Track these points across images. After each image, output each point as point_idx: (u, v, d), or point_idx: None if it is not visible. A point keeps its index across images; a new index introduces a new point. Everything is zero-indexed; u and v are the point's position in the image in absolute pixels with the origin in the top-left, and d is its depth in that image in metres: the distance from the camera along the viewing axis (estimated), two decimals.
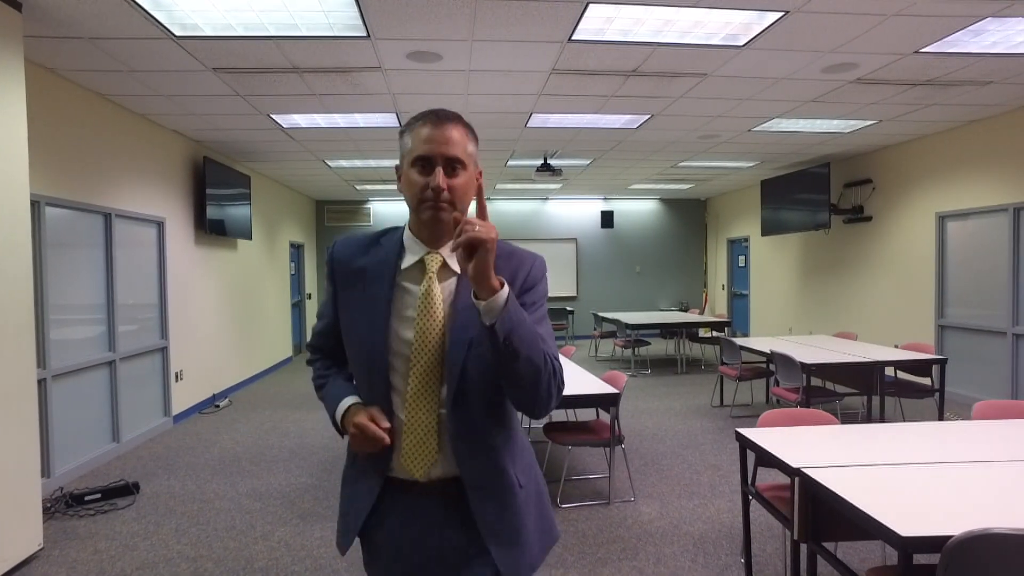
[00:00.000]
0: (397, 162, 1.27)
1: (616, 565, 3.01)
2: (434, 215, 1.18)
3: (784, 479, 2.29)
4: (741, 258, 11.52)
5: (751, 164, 8.55)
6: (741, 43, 3.91)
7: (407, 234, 1.28)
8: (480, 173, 1.26)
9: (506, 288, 1.08)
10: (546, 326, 1.26)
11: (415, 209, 1.21)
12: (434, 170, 1.17)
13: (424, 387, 1.21)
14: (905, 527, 1.68)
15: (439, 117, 1.19)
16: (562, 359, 5.05)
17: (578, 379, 4.19)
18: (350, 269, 1.29)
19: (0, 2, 2.94)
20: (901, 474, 2.14)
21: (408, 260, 1.25)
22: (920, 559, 1.66)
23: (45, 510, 3.61)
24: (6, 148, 2.98)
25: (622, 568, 2.98)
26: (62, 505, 3.77)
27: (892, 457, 2.32)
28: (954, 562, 1.59)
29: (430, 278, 1.22)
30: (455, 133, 1.19)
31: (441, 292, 1.22)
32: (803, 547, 2.26)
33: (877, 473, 2.14)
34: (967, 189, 6.22)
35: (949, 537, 1.58)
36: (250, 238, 7.87)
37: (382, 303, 1.23)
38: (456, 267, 1.23)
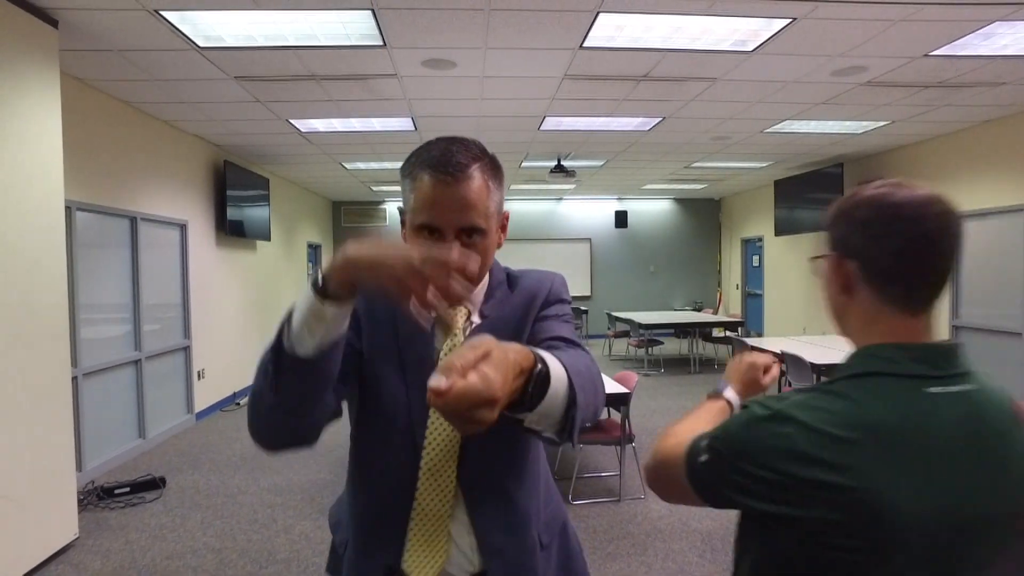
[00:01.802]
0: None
1: (625, 560, 3.10)
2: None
3: None
4: (755, 258, 11.51)
5: (764, 164, 8.56)
6: (750, 48, 3.97)
7: None
8: (506, 217, 1.05)
9: (544, 366, 0.77)
10: (572, 332, 1.10)
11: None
12: (444, 240, 0.93)
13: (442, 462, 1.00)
14: None
15: (447, 170, 0.92)
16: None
17: None
18: (375, 311, 1.03)
19: (38, 20, 3.11)
20: None
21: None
22: None
23: (79, 502, 3.77)
24: (43, 158, 3.14)
25: (631, 563, 3.07)
26: (94, 498, 3.95)
27: None
28: None
29: (455, 335, 1.03)
30: (472, 189, 0.93)
31: None
32: None
33: None
34: (981, 189, 6.20)
35: None
36: (269, 239, 8.04)
37: (427, 362, 1.00)
38: (476, 316, 1.06)
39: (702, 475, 0.86)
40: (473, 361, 0.62)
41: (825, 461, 0.76)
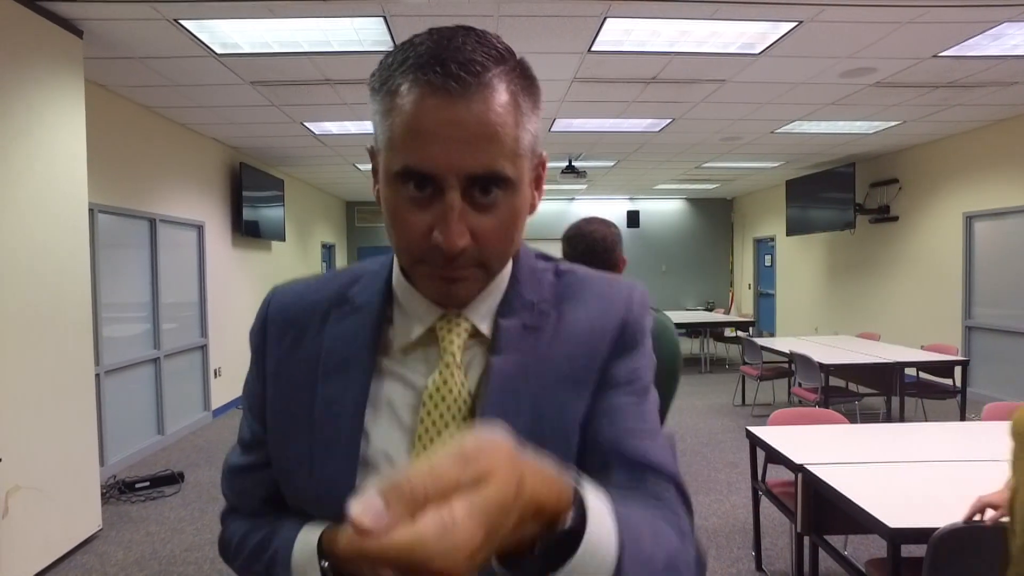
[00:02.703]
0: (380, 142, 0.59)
1: None
2: (443, 290, 0.60)
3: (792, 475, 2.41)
4: (767, 257, 11.48)
5: (776, 164, 8.55)
6: (757, 51, 4.00)
7: (398, 278, 0.67)
8: (543, 163, 0.65)
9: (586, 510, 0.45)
10: (652, 416, 0.66)
11: (407, 265, 0.62)
12: (443, 197, 0.55)
13: None
14: (895, 519, 1.80)
15: (449, 71, 0.54)
16: None
17: None
18: (293, 346, 0.69)
19: (64, 30, 3.23)
20: (898, 471, 2.24)
21: (406, 329, 0.65)
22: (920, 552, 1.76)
23: (102, 495, 3.89)
24: (68, 163, 3.26)
25: None
26: (116, 491, 4.07)
27: (893, 455, 2.42)
28: (940, 552, 1.71)
29: (448, 363, 0.63)
30: (492, 108, 0.55)
31: (468, 385, 0.63)
32: (807, 540, 2.38)
33: (876, 470, 2.25)
34: (995, 189, 6.17)
35: (936, 529, 1.70)
36: (284, 239, 8.17)
37: (348, 409, 0.63)
38: (485, 326, 0.66)
39: None
40: (445, 489, 0.36)
41: None
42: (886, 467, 2.28)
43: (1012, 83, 4.80)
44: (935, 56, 4.13)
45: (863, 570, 2.18)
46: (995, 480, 2.12)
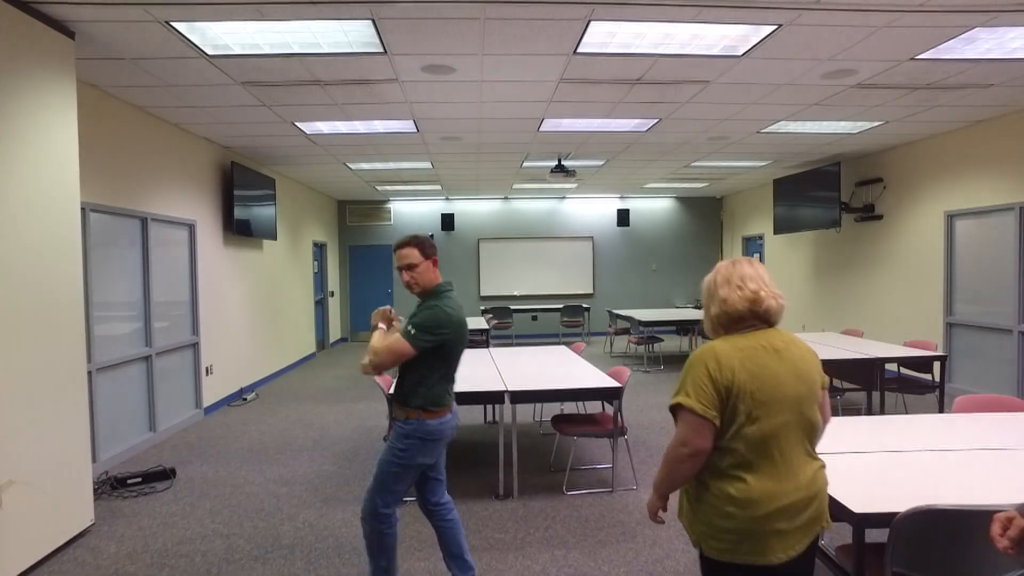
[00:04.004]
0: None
1: (614, 547, 3.24)
2: None
3: None
4: (756, 255, 11.60)
5: (763, 163, 8.66)
6: (739, 53, 4.09)
7: None
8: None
9: None
10: None
11: None
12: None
13: None
14: (860, 506, 1.89)
15: None
16: (573, 355, 5.23)
17: (585, 374, 4.42)
18: None
19: (56, 32, 3.27)
20: (868, 461, 2.33)
21: None
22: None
23: (94, 491, 3.93)
24: (60, 162, 3.30)
25: (619, 549, 3.21)
26: (108, 487, 4.11)
27: (865, 446, 2.51)
28: (901, 535, 1.79)
29: None
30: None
31: None
32: None
33: (847, 460, 2.34)
34: (975, 188, 6.30)
35: (897, 513, 1.79)
36: (275, 238, 8.20)
37: None
38: None
39: (416, 341, 2.44)
40: None
41: (440, 321, 2.50)
42: (856, 457, 2.37)
43: (988, 85, 4.91)
44: (912, 59, 4.23)
45: (834, 557, 2.26)
46: (951, 465, 2.22)
